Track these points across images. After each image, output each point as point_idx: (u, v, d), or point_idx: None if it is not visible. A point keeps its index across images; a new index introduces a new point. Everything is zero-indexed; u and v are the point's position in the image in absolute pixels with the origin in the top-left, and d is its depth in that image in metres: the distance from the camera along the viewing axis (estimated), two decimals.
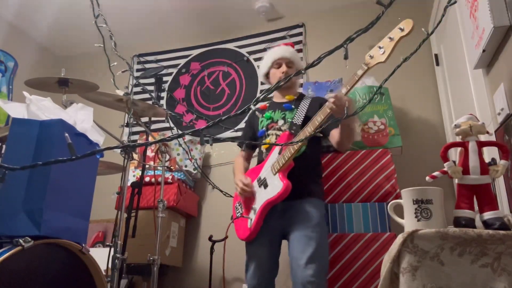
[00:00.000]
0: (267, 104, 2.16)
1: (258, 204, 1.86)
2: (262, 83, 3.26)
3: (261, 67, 2.19)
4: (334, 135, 1.93)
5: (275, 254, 1.92)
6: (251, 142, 2.13)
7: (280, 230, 1.89)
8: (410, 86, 2.86)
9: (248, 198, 1.94)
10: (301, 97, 2.12)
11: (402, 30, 1.47)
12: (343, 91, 1.68)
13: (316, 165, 2.05)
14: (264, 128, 2.07)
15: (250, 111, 2.25)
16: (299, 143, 1.75)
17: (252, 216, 1.87)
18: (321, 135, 2.02)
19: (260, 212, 1.83)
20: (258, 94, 3.22)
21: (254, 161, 2.20)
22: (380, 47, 1.54)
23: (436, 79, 2.81)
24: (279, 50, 2.13)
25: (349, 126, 1.86)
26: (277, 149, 1.92)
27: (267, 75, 2.18)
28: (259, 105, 2.17)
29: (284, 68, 2.07)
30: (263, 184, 1.89)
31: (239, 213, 1.98)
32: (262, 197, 1.85)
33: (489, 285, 1.00)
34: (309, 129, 1.78)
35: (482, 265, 1.02)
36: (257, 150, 2.19)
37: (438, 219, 1.14)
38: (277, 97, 2.18)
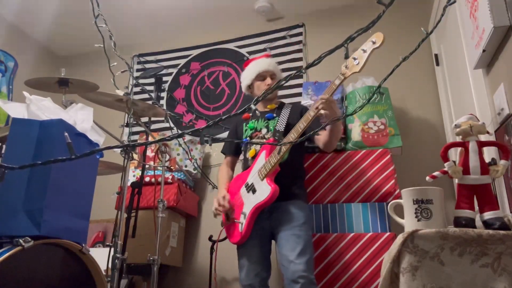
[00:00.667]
0: (250, 114, 2.26)
1: (248, 208, 1.93)
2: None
3: (244, 79, 2.27)
4: (319, 137, 2.03)
5: (267, 254, 1.98)
6: (251, 142, 2.14)
7: (269, 230, 1.97)
8: (410, 86, 2.86)
9: (237, 203, 2.02)
10: (281, 105, 2.23)
11: (374, 43, 1.59)
12: (311, 114, 1.82)
13: (299, 170, 2.14)
14: (248, 138, 2.17)
15: (251, 111, 2.26)
16: (287, 144, 1.85)
17: (243, 220, 1.95)
18: (308, 140, 2.16)
19: (250, 216, 1.91)
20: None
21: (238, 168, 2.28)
22: (354, 58, 1.66)
23: (436, 79, 2.81)
24: (263, 63, 2.23)
25: (338, 127, 1.98)
26: (262, 155, 2.00)
27: (249, 87, 2.27)
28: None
29: (269, 80, 2.18)
30: (251, 189, 1.96)
31: (227, 221, 2.06)
32: (251, 201, 1.93)
33: (489, 285, 1.00)
34: (292, 136, 1.88)
35: (482, 265, 1.02)
36: (241, 156, 2.29)
37: (438, 219, 1.14)
38: (259, 106, 2.27)
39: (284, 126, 2.07)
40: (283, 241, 1.87)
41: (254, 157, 2.08)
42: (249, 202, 1.94)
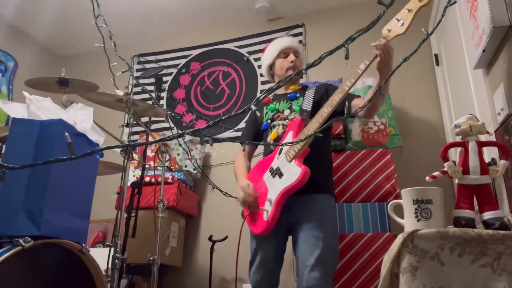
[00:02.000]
0: (271, 97, 2.08)
1: (274, 194, 1.73)
2: (262, 83, 3.26)
3: (266, 58, 2.10)
4: (359, 103, 1.78)
5: (281, 251, 1.85)
6: (251, 142, 2.08)
7: (287, 226, 1.80)
8: (410, 86, 2.86)
9: (260, 191, 1.83)
10: (305, 87, 2.04)
11: (420, 0, 1.40)
12: (362, 67, 1.60)
13: (327, 158, 1.95)
14: (268, 120, 1.99)
15: (251, 111, 2.23)
16: (316, 124, 1.64)
17: (268, 207, 1.73)
18: (342, 113, 1.80)
19: (277, 202, 1.70)
20: (258, 94, 3.21)
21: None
22: (398, 19, 1.46)
23: (436, 79, 2.81)
24: (286, 40, 2.07)
25: (387, 85, 1.66)
26: (289, 136, 1.81)
27: (271, 67, 2.10)
28: (264, 98, 2.07)
29: (292, 57, 2.01)
30: (277, 173, 1.77)
31: (250, 209, 1.85)
32: (278, 186, 1.73)
33: (489, 285, 1.00)
34: (326, 110, 1.67)
35: (482, 265, 1.02)
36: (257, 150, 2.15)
37: (438, 219, 1.14)
38: (280, 89, 2.09)
39: (311, 105, 1.88)
40: (302, 242, 1.70)
41: (277, 139, 1.90)
42: (275, 187, 1.74)
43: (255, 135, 2.07)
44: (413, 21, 1.44)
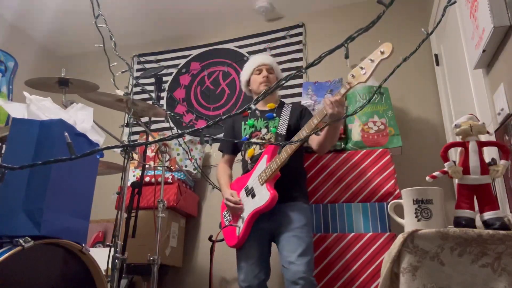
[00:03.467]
0: (248, 112, 2.22)
1: (246, 213, 1.94)
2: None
3: (242, 76, 2.29)
4: (314, 138, 2.01)
5: (266, 255, 1.98)
6: (251, 142, 2.12)
7: (269, 232, 1.96)
8: (410, 86, 2.86)
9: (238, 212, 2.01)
10: (281, 104, 2.21)
11: (382, 53, 1.56)
12: (315, 121, 1.81)
13: (299, 172, 2.12)
14: (247, 136, 2.14)
15: (250, 111, 2.25)
16: (297, 142, 1.80)
17: (240, 224, 1.95)
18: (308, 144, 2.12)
19: (248, 220, 1.91)
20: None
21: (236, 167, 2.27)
22: (361, 68, 1.64)
23: (436, 79, 2.81)
24: (259, 58, 2.26)
25: (336, 128, 1.94)
26: (264, 160, 1.99)
27: (248, 83, 2.27)
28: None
29: (265, 73, 2.18)
30: (251, 193, 1.96)
31: (227, 221, 2.07)
32: (250, 206, 1.93)
33: (489, 285, 1.00)
34: (304, 132, 1.85)
35: (482, 265, 1.02)
36: (239, 156, 2.26)
37: (438, 219, 1.14)
38: (258, 104, 2.22)
39: (285, 129, 2.06)
40: (284, 242, 1.87)
41: (253, 157, 2.07)
42: (248, 206, 1.95)
43: (233, 145, 2.25)
44: (374, 71, 1.59)
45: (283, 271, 1.83)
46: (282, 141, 2.01)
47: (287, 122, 2.08)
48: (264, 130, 2.12)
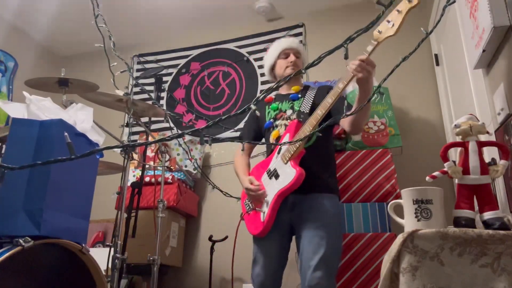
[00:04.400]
0: (273, 97, 2.09)
1: (271, 196, 1.76)
2: (262, 83, 3.26)
3: (267, 59, 2.11)
4: (345, 119, 1.79)
5: (286, 250, 1.83)
6: (251, 142, 2.07)
7: (290, 224, 1.80)
8: (410, 86, 2.86)
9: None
10: (306, 88, 2.05)
11: (410, 1, 1.41)
12: (340, 86, 1.65)
13: (330, 157, 1.95)
14: (271, 119, 1.99)
15: (251, 110, 2.22)
16: (310, 127, 1.66)
17: (265, 209, 1.77)
18: (333, 125, 1.97)
19: (273, 204, 1.73)
20: (258, 94, 3.21)
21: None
22: (388, 21, 1.48)
23: (436, 79, 2.81)
24: (287, 41, 2.08)
25: (369, 104, 1.71)
26: (285, 139, 1.83)
27: (272, 68, 2.10)
28: (264, 98, 2.09)
29: (292, 57, 2.01)
30: (274, 175, 1.80)
31: (249, 208, 1.89)
32: (274, 187, 1.76)
33: (489, 285, 1.00)
34: (319, 112, 1.69)
35: (482, 265, 1.02)
36: (256, 151, 2.16)
37: (438, 219, 1.14)
38: (282, 89, 2.10)
39: (309, 107, 1.89)
40: (306, 242, 1.69)
41: (278, 139, 1.91)
42: (272, 188, 1.77)
43: (256, 133, 2.08)
44: (403, 22, 1.45)
45: (301, 272, 1.69)
46: (304, 119, 1.81)
47: (312, 100, 1.92)
48: (289, 111, 1.96)
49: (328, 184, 1.82)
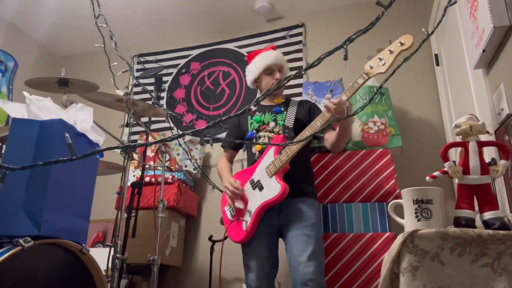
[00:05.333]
0: (254, 108, 2.15)
1: (254, 206, 1.87)
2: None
3: (250, 73, 2.20)
4: (328, 137, 1.99)
5: (275, 252, 1.92)
6: (252, 142, 2.11)
7: (277, 228, 1.91)
8: (410, 86, 2.86)
9: (239, 200, 1.95)
10: (288, 101, 2.18)
11: (402, 44, 1.58)
12: (344, 98, 1.73)
13: (308, 168, 2.10)
14: (253, 130, 2.10)
15: (251, 111, 2.24)
16: (301, 142, 1.77)
17: (248, 218, 1.88)
18: (316, 139, 2.16)
19: (256, 214, 1.85)
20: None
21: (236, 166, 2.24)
22: (380, 59, 1.63)
23: (436, 79, 2.81)
24: (270, 57, 2.15)
25: (347, 128, 1.91)
26: (270, 152, 1.94)
27: (255, 81, 2.20)
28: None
29: (277, 75, 2.11)
30: (258, 186, 1.90)
31: (230, 216, 1.99)
32: (258, 199, 1.86)
33: (489, 285, 1.00)
34: (307, 132, 1.83)
35: (482, 265, 1.02)
36: (243, 152, 2.26)
37: (438, 219, 1.14)
38: (265, 101, 2.20)
39: (293, 122, 2.02)
40: (294, 240, 1.80)
41: (262, 151, 2.01)
42: (255, 199, 1.87)
43: (238, 139, 2.19)
44: (394, 62, 1.59)
45: (292, 270, 1.76)
46: (289, 133, 1.97)
47: (294, 115, 2.05)
48: (272, 124, 2.08)
49: (309, 190, 1.97)
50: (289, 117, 2.05)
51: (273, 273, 1.90)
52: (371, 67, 1.65)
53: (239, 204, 1.93)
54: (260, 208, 1.84)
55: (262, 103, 2.20)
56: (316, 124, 1.81)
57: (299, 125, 1.95)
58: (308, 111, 2.09)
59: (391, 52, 1.60)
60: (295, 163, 1.88)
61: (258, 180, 1.91)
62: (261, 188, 1.88)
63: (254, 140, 2.09)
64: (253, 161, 2.05)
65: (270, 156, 1.93)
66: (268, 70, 2.13)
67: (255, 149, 2.06)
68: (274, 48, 2.26)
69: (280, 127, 2.04)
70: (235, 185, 1.93)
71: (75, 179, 1.65)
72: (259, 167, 1.96)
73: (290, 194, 1.82)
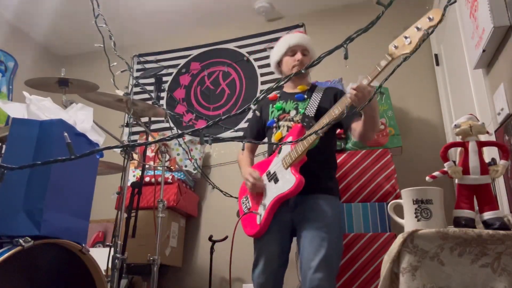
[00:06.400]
0: (278, 95, 2.03)
1: (268, 199, 1.76)
2: (262, 83, 3.26)
3: (273, 55, 2.04)
4: (356, 127, 1.79)
5: (287, 250, 1.81)
6: (251, 141, 2.04)
7: (291, 225, 1.79)
8: (410, 86, 2.86)
9: (256, 192, 1.85)
10: (313, 87, 1.99)
11: (431, 19, 1.37)
12: (365, 82, 1.57)
13: (331, 159, 1.93)
14: (274, 119, 1.96)
15: (251, 110, 2.23)
16: (314, 135, 1.60)
17: (262, 211, 1.77)
18: (339, 138, 1.96)
19: (270, 207, 1.74)
20: (258, 94, 3.21)
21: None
22: (406, 37, 1.41)
23: (436, 79, 2.81)
24: (295, 37, 1.99)
25: (373, 116, 1.71)
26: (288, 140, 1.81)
27: (278, 64, 2.04)
28: (269, 96, 2.04)
29: (299, 55, 1.94)
30: (273, 178, 1.79)
31: (246, 208, 1.88)
32: (273, 192, 1.76)
33: (489, 285, 1.00)
34: (324, 121, 1.66)
35: (482, 265, 1.02)
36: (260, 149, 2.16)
37: (438, 219, 1.14)
38: (288, 87, 2.04)
39: (314, 110, 1.86)
40: (306, 242, 1.67)
41: (280, 140, 1.88)
42: (270, 192, 1.77)
43: (259, 131, 2.05)
44: (422, 40, 1.36)
45: (301, 273, 1.67)
46: (309, 123, 1.80)
47: (318, 103, 1.88)
48: (293, 112, 1.92)
49: (328, 186, 1.82)
50: (311, 105, 1.88)
51: (281, 271, 1.78)
52: (396, 47, 1.44)
53: (251, 199, 1.84)
54: (274, 202, 1.73)
55: (285, 90, 2.05)
56: (335, 111, 1.64)
57: (322, 113, 1.73)
58: (334, 98, 1.89)
59: (418, 29, 1.38)
60: (314, 155, 1.73)
61: (274, 172, 1.80)
62: (276, 180, 1.77)
63: (273, 129, 1.94)
64: (271, 151, 1.94)
65: (287, 146, 1.79)
66: (291, 51, 1.96)
67: (273, 138, 1.91)
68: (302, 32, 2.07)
69: (300, 116, 1.88)
70: (255, 175, 1.82)
71: (75, 179, 1.65)
72: (276, 158, 1.84)
73: (307, 189, 1.69)
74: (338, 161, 2.21)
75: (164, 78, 3.51)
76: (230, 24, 3.49)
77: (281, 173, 1.76)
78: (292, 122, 1.89)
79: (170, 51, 3.63)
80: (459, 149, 1.23)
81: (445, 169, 1.20)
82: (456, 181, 1.22)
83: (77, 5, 3.17)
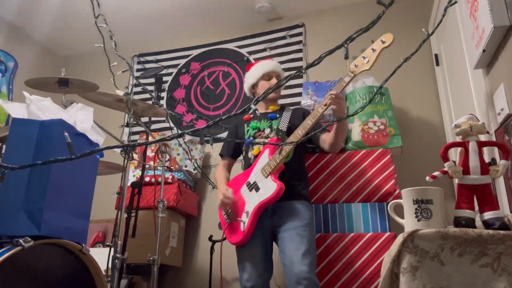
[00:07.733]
0: (251, 116, 2.25)
1: (251, 206, 1.91)
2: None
3: (249, 77, 2.28)
4: (325, 139, 2.04)
5: (269, 254, 1.96)
6: (250, 141, 2.14)
7: (271, 230, 1.94)
8: (410, 86, 2.86)
9: (236, 204, 1.99)
10: (283, 107, 2.26)
11: (383, 42, 1.69)
12: (320, 110, 1.83)
13: (302, 170, 2.15)
14: (251, 137, 2.16)
15: (250, 111, 2.24)
16: (292, 144, 1.85)
17: (245, 218, 1.91)
18: (307, 142, 2.19)
19: (254, 214, 1.88)
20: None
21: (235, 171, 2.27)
22: (364, 57, 1.75)
23: (436, 79, 2.81)
24: (270, 64, 2.27)
25: (344, 126, 1.97)
26: (265, 154, 1.99)
27: (253, 86, 2.27)
28: (245, 115, 2.28)
29: (274, 80, 2.21)
30: (254, 187, 1.95)
31: (228, 220, 2.01)
32: (255, 199, 1.91)
33: (489, 285, 1.00)
34: (299, 132, 1.88)
35: (482, 265, 1.02)
36: (240, 157, 2.29)
37: (438, 219, 1.14)
38: (261, 108, 2.27)
39: (286, 126, 2.09)
40: (287, 240, 1.84)
41: (257, 155, 2.06)
42: (252, 200, 1.92)
43: (235, 150, 2.27)
44: (377, 59, 1.72)
45: (285, 270, 1.80)
46: (283, 137, 2.03)
47: (288, 120, 2.13)
48: (267, 130, 2.15)
49: (303, 193, 2.02)
50: (283, 122, 2.12)
51: (267, 274, 1.92)
52: (356, 66, 1.77)
53: (232, 210, 1.99)
54: (257, 208, 1.88)
55: (258, 109, 2.25)
56: (308, 122, 1.86)
57: (293, 129, 1.99)
58: (302, 116, 2.13)
59: (373, 50, 1.71)
60: (288, 166, 1.94)
61: (254, 182, 1.96)
62: (257, 189, 1.93)
63: (250, 147, 2.14)
64: (248, 164, 2.10)
65: (265, 157, 1.98)
66: (267, 76, 2.23)
67: (251, 153, 2.12)
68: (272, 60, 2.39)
69: (274, 132, 2.11)
70: (227, 195, 1.98)
71: (75, 179, 1.65)
72: (254, 169, 2.01)
73: (285, 196, 1.87)
74: (338, 161, 2.25)
75: (164, 78, 3.51)
76: (230, 24, 3.49)
77: (262, 182, 1.93)
78: (267, 139, 2.12)
79: (170, 51, 3.63)
80: (459, 149, 1.23)
81: (445, 169, 1.20)
82: (456, 181, 1.22)
83: (77, 5, 3.17)
